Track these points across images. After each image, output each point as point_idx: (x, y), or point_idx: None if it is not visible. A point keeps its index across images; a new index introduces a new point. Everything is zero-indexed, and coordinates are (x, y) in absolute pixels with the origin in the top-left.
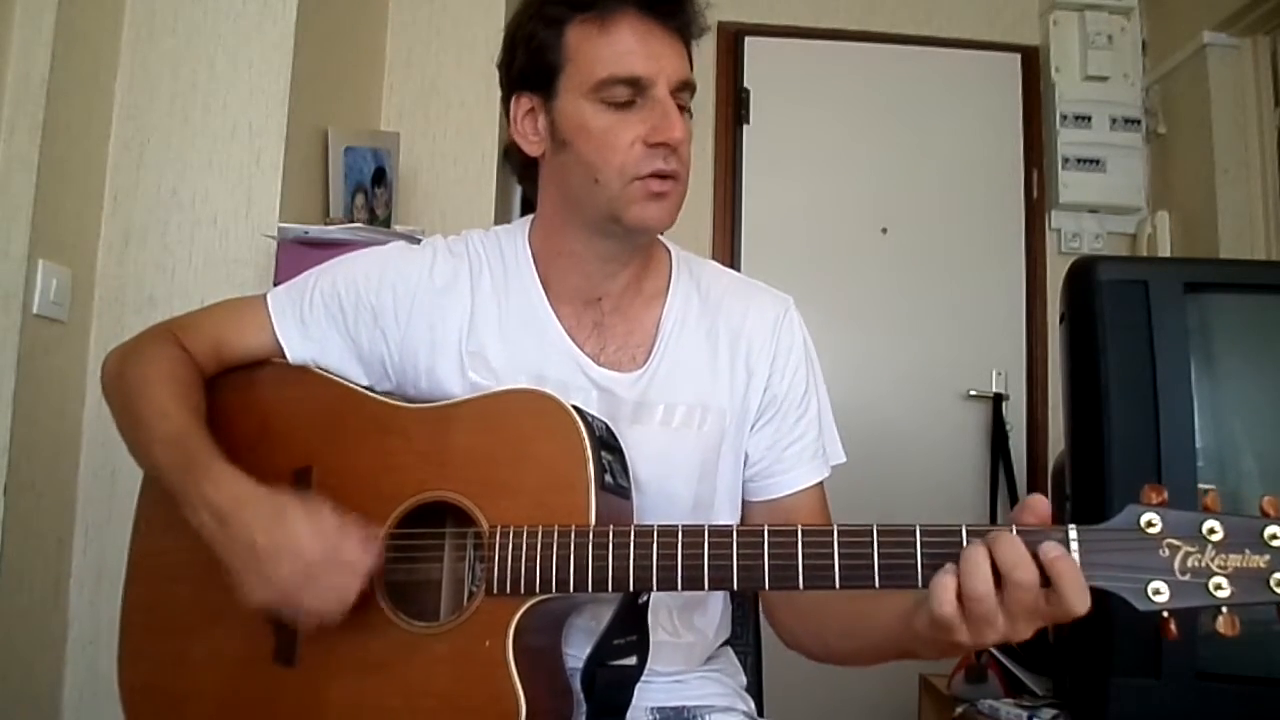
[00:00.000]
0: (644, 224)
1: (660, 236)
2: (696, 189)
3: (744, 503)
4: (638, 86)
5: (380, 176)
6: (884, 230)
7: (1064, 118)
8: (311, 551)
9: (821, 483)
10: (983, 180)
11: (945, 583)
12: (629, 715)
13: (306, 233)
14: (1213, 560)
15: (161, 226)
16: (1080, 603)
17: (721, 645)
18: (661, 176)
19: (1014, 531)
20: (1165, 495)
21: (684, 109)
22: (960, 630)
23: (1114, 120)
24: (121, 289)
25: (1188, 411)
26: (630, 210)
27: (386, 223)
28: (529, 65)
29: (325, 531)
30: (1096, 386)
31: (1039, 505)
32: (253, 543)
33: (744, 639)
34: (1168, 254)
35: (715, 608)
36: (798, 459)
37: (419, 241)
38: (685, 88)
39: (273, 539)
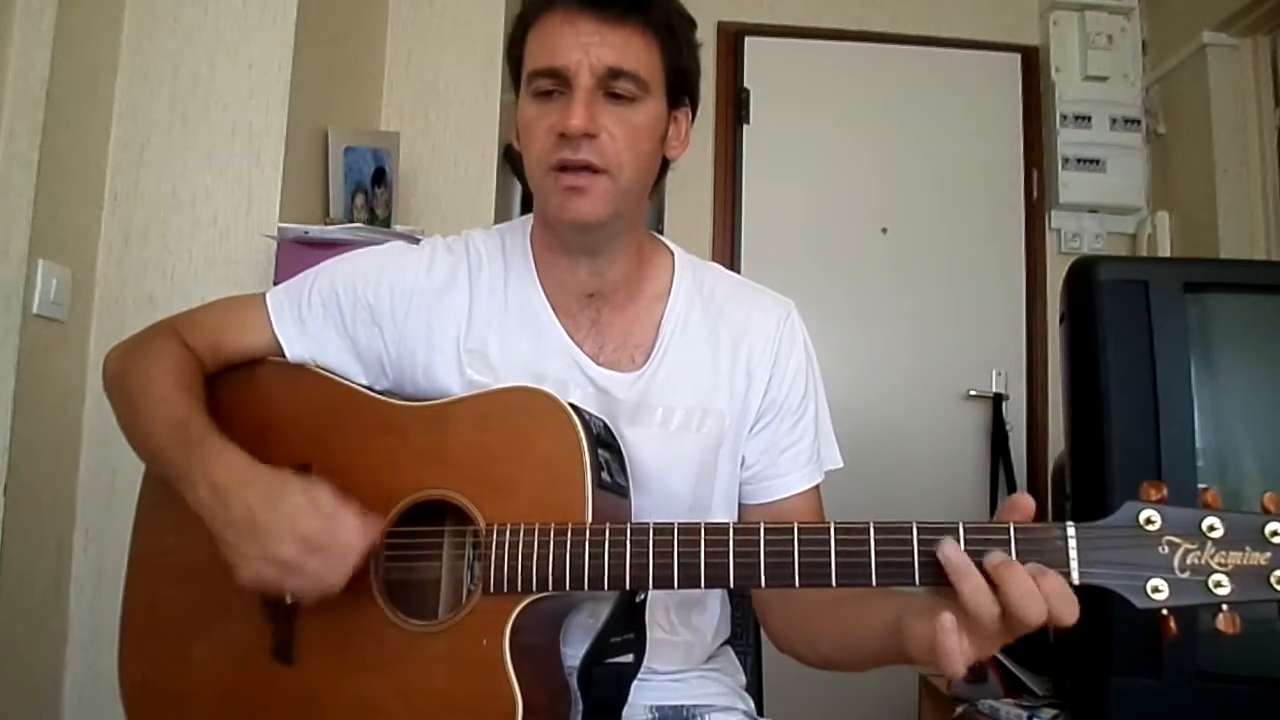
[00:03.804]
0: (561, 218)
1: (664, 239)
2: (697, 189)
3: (739, 506)
4: (559, 78)
5: (380, 176)
6: (884, 230)
7: (1064, 118)
8: (310, 529)
9: (817, 487)
10: (982, 180)
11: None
12: (628, 714)
13: (306, 233)
14: (1213, 558)
15: (161, 226)
16: (1035, 614)
17: (721, 645)
18: (568, 168)
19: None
20: (1165, 492)
21: (623, 97)
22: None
23: (1114, 120)
24: (121, 289)
25: (1188, 411)
26: (551, 203)
27: (386, 223)
28: (511, 64)
29: (324, 511)
30: (1096, 386)
31: (1024, 503)
32: (252, 518)
33: (744, 639)
34: (1168, 254)
35: (713, 607)
36: (793, 463)
37: (418, 241)
38: (618, 75)
39: (272, 515)
